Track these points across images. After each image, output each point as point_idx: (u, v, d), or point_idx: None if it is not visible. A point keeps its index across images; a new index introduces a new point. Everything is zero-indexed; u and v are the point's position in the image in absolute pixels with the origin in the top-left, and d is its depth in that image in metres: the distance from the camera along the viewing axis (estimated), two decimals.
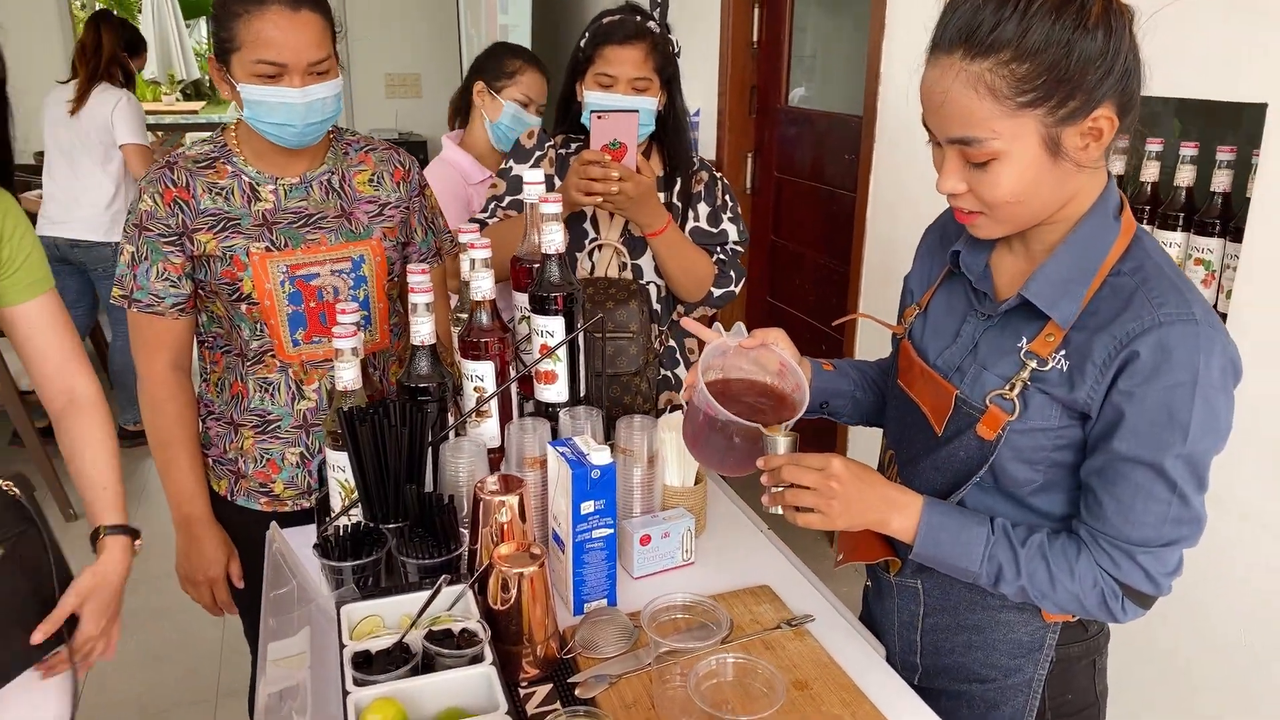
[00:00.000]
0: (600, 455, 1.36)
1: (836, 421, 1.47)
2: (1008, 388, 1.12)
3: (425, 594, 1.28)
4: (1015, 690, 1.23)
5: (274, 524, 1.22)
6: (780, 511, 1.20)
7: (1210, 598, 1.99)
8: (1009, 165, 1.02)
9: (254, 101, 1.48)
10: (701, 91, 4.08)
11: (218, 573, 1.71)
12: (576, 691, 1.23)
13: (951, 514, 1.15)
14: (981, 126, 1.01)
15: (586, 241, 1.96)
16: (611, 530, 1.40)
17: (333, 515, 1.44)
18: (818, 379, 1.40)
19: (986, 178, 1.04)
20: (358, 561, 1.32)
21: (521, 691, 1.24)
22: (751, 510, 1.76)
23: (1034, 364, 1.10)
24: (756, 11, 3.87)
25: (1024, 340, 1.13)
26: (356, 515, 1.41)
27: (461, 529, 1.38)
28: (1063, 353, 1.09)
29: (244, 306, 1.60)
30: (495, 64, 2.59)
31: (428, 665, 1.15)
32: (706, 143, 4.14)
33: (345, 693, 1.08)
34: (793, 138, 3.84)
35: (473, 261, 1.47)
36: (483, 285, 1.48)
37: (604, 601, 1.43)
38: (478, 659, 1.16)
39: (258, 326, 1.62)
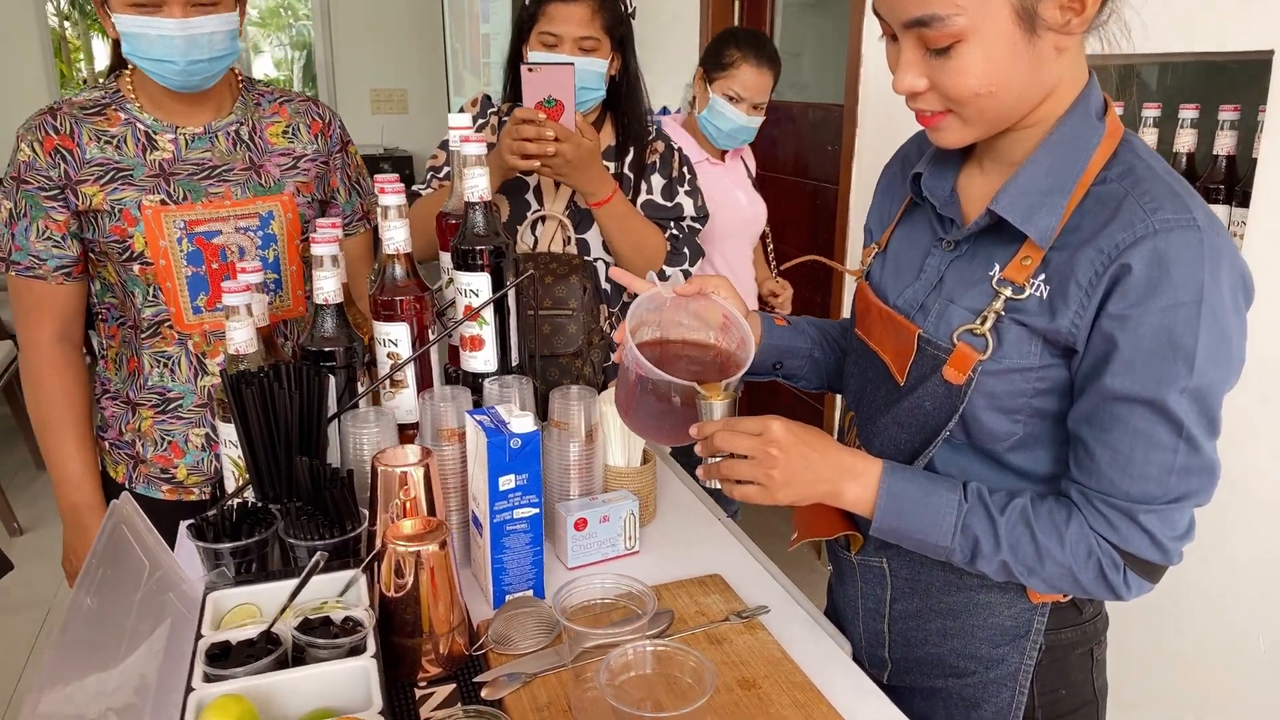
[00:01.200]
0: (522, 422, 1.19)
1: (791, 386, 1.30)
2: (978, 321, 0.95)
3: (313, 580, 1.10)
4: (998, 685, 1.05)
5: (124, 494, 1.04)
6: (718, 485, 1.03)
7: (1224, 584, 1.80)
8: (976, 47, 0.86)
9: (130, 34, 1.32)
10: (680, 85, 3.94)
11: None
12: (483, 692, 1.05)
13: (916, 479, 0.98)
14: (943, 1, 0.84)
15: (529, 214, 1.79)
16: (536, 510, 1.22)
17: (225, 497, 1.26)
18: (769, 336, 1.22)
19: (951, 65, 0.87)
20: (236, 543, 1.14)
21: (418, 692, 1.05)
22: (708, 495, 1.58)
23: (1008, 292, 0.93)
24: (737, 2, 3.74)
25: (996, 268, 0.96)
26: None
27: (363, 509, 1.20)
28: (1041, 277, 0.92)
29: (136, 267, 1.43)
30: (715, 52, 2.42)
31: (299, 659, 0.97)
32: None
33: (189, 689, 0.90)
34: (773, 131, 3.69)
35: (384, 210, 1.31)
36: (395, 236, 1.31)
37: (529, 593, 1.24)
38: (357, 651, 0.97)
39: (151, 291, 1.45)
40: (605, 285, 1.83)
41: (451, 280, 1.43)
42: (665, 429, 1.15)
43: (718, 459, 1.02)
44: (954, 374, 0.95)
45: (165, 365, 1.50)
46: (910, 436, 1.01)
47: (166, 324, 1.47)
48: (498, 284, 1.36)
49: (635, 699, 0.93)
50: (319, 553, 1.02)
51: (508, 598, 1.23)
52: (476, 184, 1.33)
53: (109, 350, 1.55)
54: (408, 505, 1.15)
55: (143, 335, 1.49)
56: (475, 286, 1.35)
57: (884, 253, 1.12)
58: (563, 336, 1.67)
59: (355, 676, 0.94)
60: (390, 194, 1.30)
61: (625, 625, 1.05)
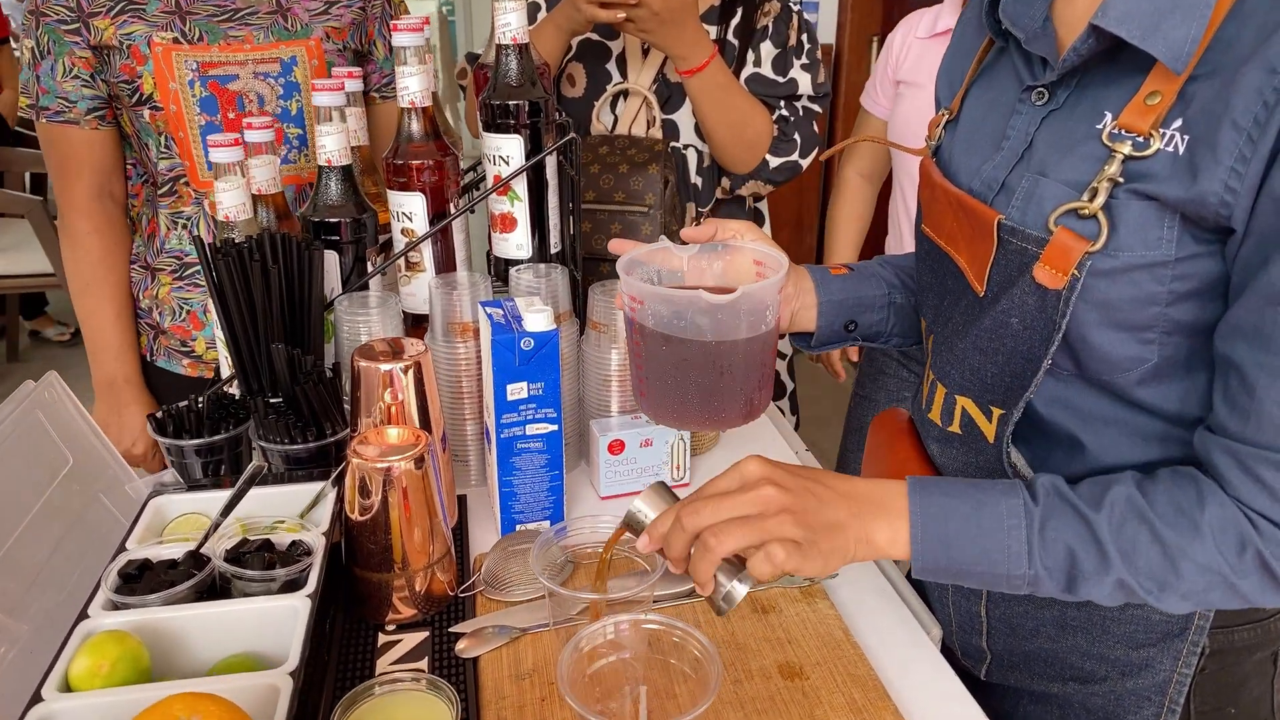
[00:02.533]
0: (538, 318, 0.95)
1: (879, 348, 0.99)
2: (1085, 198, 0.64)
3: (283, 490, 0.92)
4: (1138, 698, 0.76)
5: (51, 373, 0.88)
6: (728, 603, 0.68)
7: None
8: None
9: None
10: None
11: (143, 449, 1.41)
12: (459, 646, 0.84)
13: (954, 489, 0.68)
14: None
15: (609, 86, 1.52)
16: (553, 428, 0.99)
17: (210, 386, 1.09)
18: (826, 292, 0.92)
19: None
20: (200, 440, 0.97)
21: (382, 638, 0.86)
22: (782, 417, 1.32)
23: (1127, 149, 0.62)
24: None
25: (1108, 117, 0.64)
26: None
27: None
28: (1177, 123, 0.61)
29: (146, 113, 1.27)
30: None
31: (227, 591, 0.79)
32: (825, 26, 3.57)
33: (82, 616, 0.73)
34: None
35: (399, 52, 1.07)
36: (411, 85, 1.08)
37: (545, 524, 1.03)
38: (296, 585, 0.78)
39: (164, 141, 1.28)
40: (695, 179, 1.55)
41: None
42: (692, 401, 0.87)
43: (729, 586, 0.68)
44: (1050, 275, 0.65)
45: (183, 227, 1.34)
46: (998, 369, 0.72)
47: (182, 180, 1.31)
48: (535, 149, 1.11)
49: (607, 690, 0.70)
50: (256, 461, 0.83)
51: (519, 529, 1.02)
52: (508, 20, 1.07)
53: (132, 210, 1.41)
54: (393, 412, 0.94)
55: (160, 193, 1.33)
56: (506, 152, 1.11)
57: (955, 121, 0.80)
58: (635, 238, 1.40)
59: (285, 617, 0.75)
60: (406, 33, 1.06)
61: (632, 580, 0.81)
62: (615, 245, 0.85)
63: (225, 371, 1.13)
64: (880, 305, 0.95)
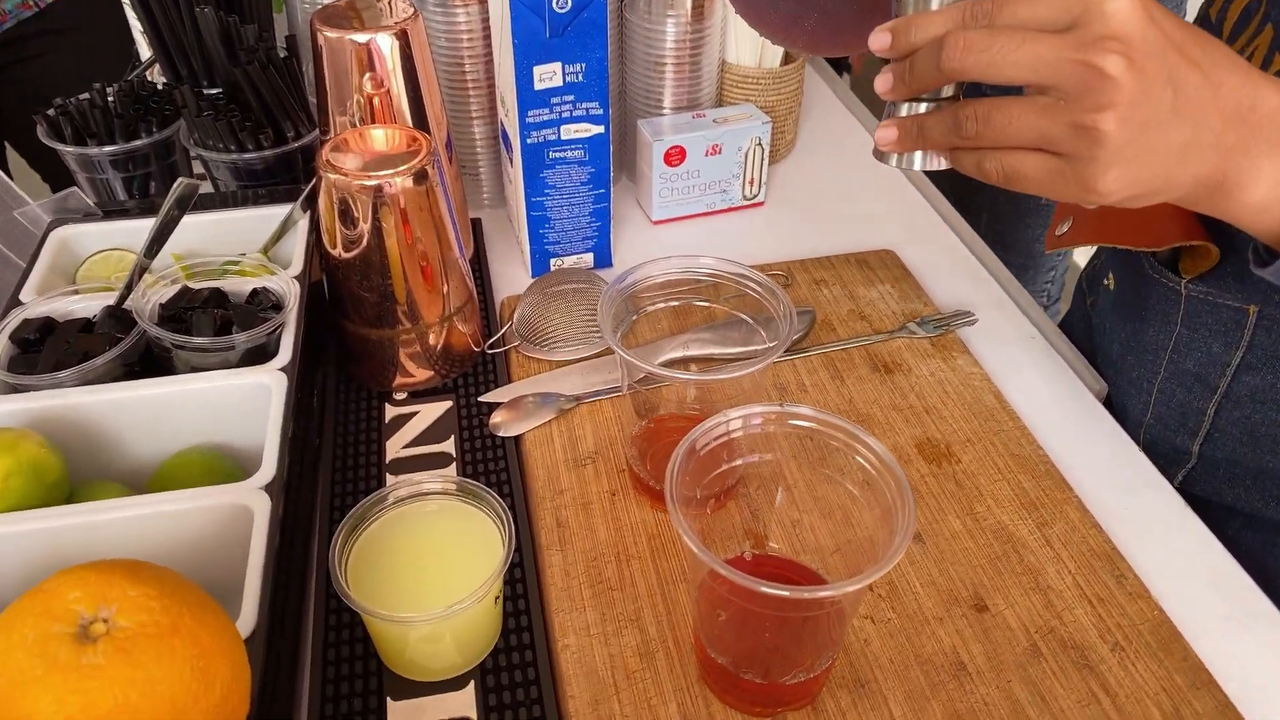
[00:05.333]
0: None
1: None
2: None
3: (234, 216, 0.67)
4: None
5: None
6: (924, 165, 0.45)
7: None
8: None
9: None
10: None
11: None
12: (493, 421, 0.64)
13: None
14: None
15: None
16: (600, 129, 0.72)
17: (131, 72, 0.80)
18: None
19: None
20: (113, 148, 0.70)
21: (390, 411, 0.65)
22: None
23: None
24: None
25: None
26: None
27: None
28: None
29: None
30: None
31: (166, 361, 0.56)
32: None
33: None
34: None
35: None
36: None
37: (588, 260, 0.79)
38: (267, 352, 0.56)
39: None
40: None
41: None
42: (812, 14, 0.60)
43: (927, 105, 0.43)
44: None
45: None
46: None
47: None
48: None
49: (729, 515, 0.50)
50: (185, 179, 0.57)
51: (553, 265, 0.79)
52: None
53: None
54: (375, 105, 0.67)
55: None
56: None
57: None
58: None
59: (253, 397, 0.54)
60: None
61: (731, 336, 0.59)
62: None
63: (143, 52, 0.84)
64: None
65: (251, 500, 0.46)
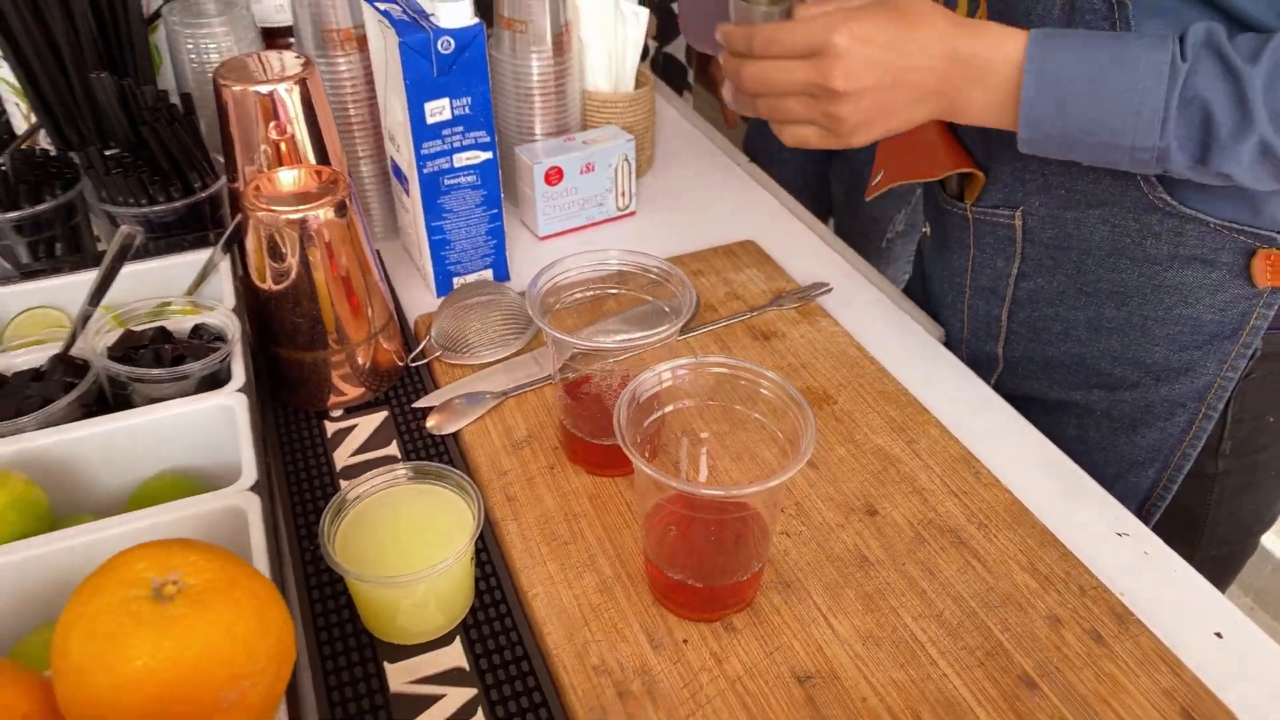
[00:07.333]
0: (455, 11, 0.73)
1: None
2: None
3: (151, 266, 0.71)
4: (1174, 405, 0.72)
5: None
6: (749, 114, 0.66)
7: None
8: None
9: None
10: None
11: None
12: (429, 423, 0.70)
13: (1089, 45, 0.57)
14: None
15: None
16: (489, 155, 0.81)
17: (11, 144, 0.82)
18: None
19: None
20: (17, 213, 0.73)
21: (331, 426, 0.71)
22: (725, 134, 1.17)
23: None
24: None
25: None
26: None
27: (218, 158, 0.78)
28: None
29: None
30: None
31: (122, 399, 0.60)
32: None
33: None
34: None
35: None
36: None
37: (487, 276, 0.87)
38: (218, 380, 0.61)
39: None
40: None
41: None
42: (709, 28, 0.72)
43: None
44: None
45: None
46: None
47: None
48: None
49: (662, 446, 0.59)
50: (125, 227, 0.61)
51: (455, 283, 0.86)
52: None
53: None
54: (282, 149, 0.72)
55: None
56: None
57: None
58: None
59: (215, 420, 0.58)
60: None
61: (640, 318, 0.68)
62: None
63: (20, 124, 0.86)
64: None
65: (243, 501, 0.51)
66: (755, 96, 0.63)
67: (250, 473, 0.53)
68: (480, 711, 0.52)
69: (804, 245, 0.94)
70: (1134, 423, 0.74)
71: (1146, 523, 0.74)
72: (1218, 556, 0.79)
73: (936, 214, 0.82)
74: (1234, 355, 0.69)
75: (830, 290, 0.85)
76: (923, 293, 0.91)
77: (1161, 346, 0.71)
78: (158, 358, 0.60)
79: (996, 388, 0.79)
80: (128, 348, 0.61)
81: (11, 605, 0.48)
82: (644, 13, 0.97)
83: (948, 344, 0.83)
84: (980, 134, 0.73)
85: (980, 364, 0.82)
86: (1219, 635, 0.57)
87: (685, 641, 0.55)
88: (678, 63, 1.65)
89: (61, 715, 0.38)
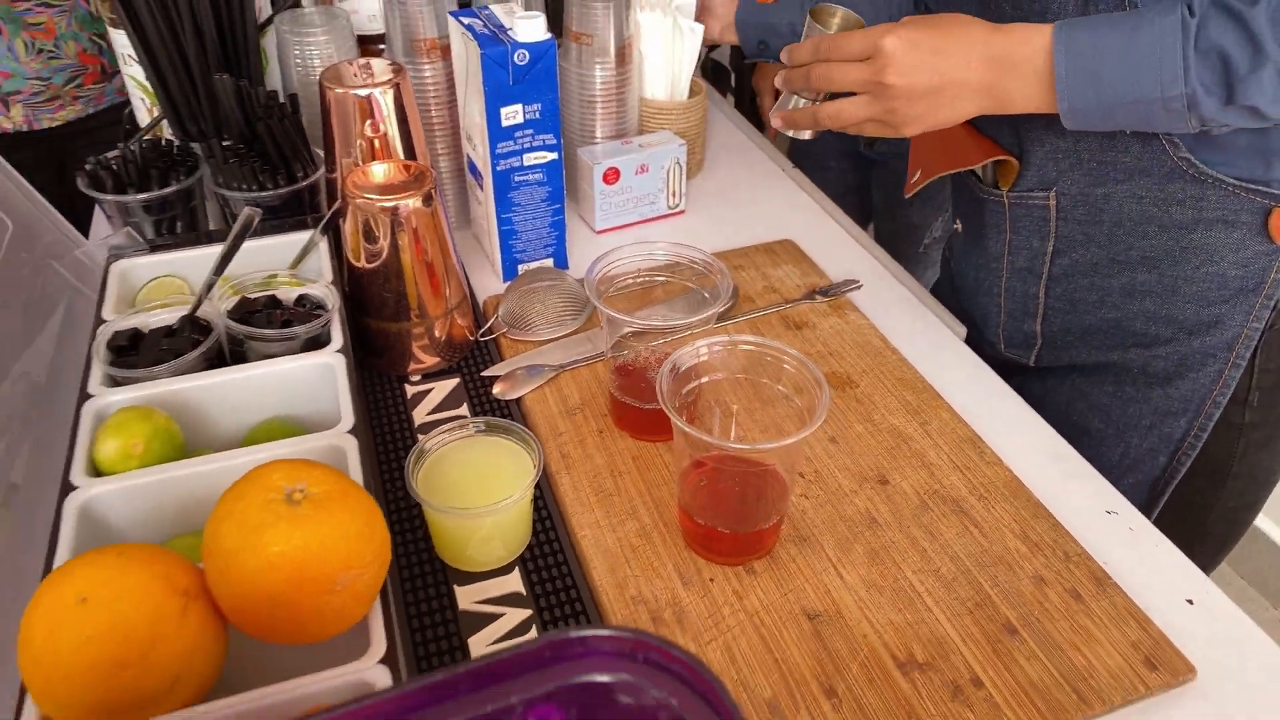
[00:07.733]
0: (530, 25, 0.83)
1: None
2: None
3: (261, 244, 0.81)
4: (1203, 356, 0.79)
5: None
6: (800, 134, 0.82)
7: None
8: None
9: None
10: None
11: None
12: (495, 390, 0.80)
13: (1104, 24, 0.66)
14: None
15: None
16: (554, 156, 0.90)
17: (138, 134, 0.93)
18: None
19: None
20: (147, 195, 0.84)
21: (410, 389, 0.81)
22: (769, 142, 1.25)
23: None
24: None
25: None
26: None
27: (317, 150, 0.88)
28: None
29: None
30: None
31: (239, 354, 0.71)
32: None
33: (84, 397, 0.64)
34: None
35: None
36: None
37: (548, 263, 0.96)
38: (319, 342, 0.71)
39: None
40: None
41: None
42: None
43: (805, 101, 0.78)
44: None
45: None
46: None
47: None
48: None
49: (703, 408, 0.68)
50: (248, 208, 0.72)
51: (520, 269, 0.95)
52: None
53: None
54: (376, 145, 0.83)
55: None
56: None
57: None
58: None
59: (316, 376, 0.68)
60: None
61: (685, 305, 0.77)
62: None
63: (144, 116, 0.97)
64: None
65: (342, 441, 0.61)
66: (815, 105, 0.76)
67: (349, 417, 0.63)
68: (534, 629, 0.61)
69: (840, 246, 1.01)
70: (1169, 375, 0.81)
71: (1177, 472, 0.83)
72: (1235, 508, 0.86)
73: (970, 207, 0.90)
74: (1258, 307, 0.76)
75: (860, 287, 0.93)
76: (949, 292, 0.98)
77: (1192, 304, 0.77)
78: (269, 321, 0.70)
79: (1037, 363, 0.87)
80: (244, 311, 0.71)
81: (155, 515, 0.59)
82: (699, 28, 1.05)
83: (979, 334, 0.90)
84: (1010, 124, 0.80)
85: (1018, 343, 0.89)
86: (1190, 602, 0.64)
87: (711, 580, 0.63)
88: (724, 68, 1.74)
89: (210, 593, 0.47)
